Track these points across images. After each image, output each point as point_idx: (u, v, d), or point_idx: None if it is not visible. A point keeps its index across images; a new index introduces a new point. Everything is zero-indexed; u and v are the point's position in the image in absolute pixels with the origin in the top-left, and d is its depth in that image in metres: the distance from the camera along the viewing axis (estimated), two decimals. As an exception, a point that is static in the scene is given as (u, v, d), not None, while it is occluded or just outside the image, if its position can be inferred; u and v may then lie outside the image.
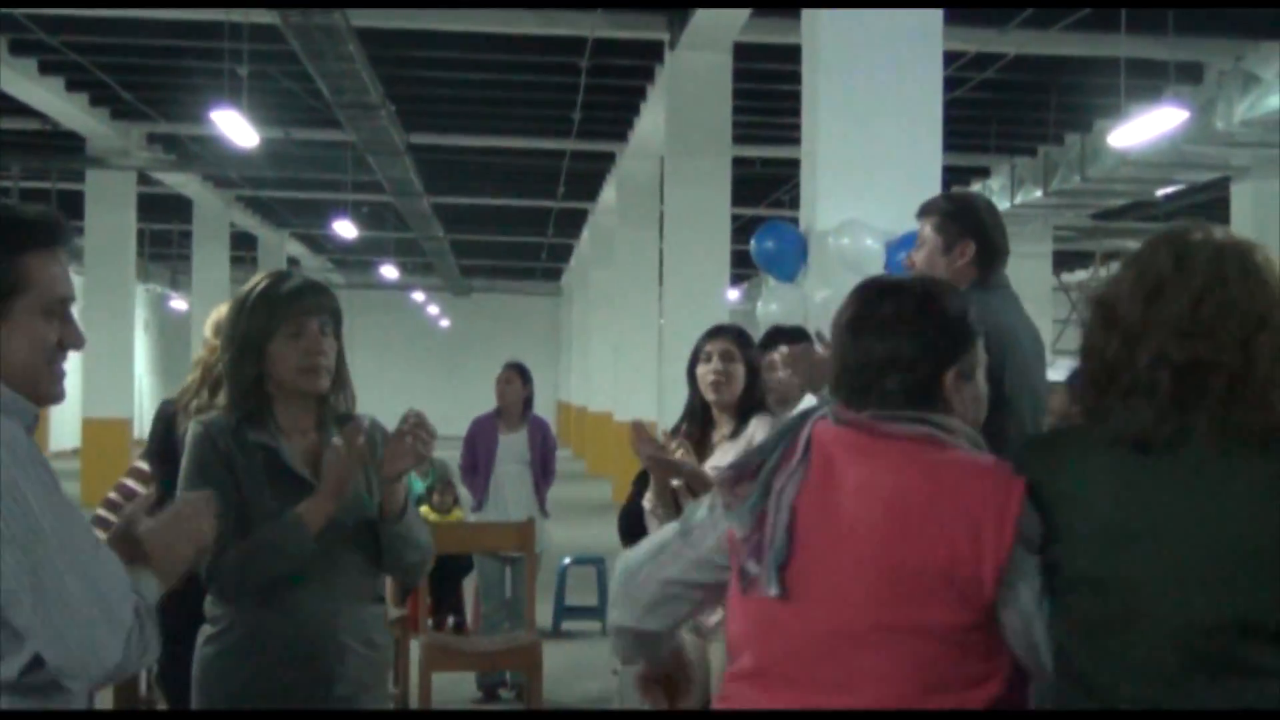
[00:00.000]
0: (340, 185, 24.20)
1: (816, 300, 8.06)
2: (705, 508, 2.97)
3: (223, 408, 3.93)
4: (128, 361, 24.03)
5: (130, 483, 5.99)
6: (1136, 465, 2.56)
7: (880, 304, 2.82)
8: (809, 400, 5.03)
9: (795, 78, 8.94)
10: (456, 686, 9.30)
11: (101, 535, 2.74)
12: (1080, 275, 31.43)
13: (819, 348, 4.93)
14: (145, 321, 39.12)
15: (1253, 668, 2.45)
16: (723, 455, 5.42)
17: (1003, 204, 21.25)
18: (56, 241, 2.72)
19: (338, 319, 3.93)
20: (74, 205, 23.35)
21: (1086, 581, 2.58)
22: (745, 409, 5.56)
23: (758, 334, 6.71)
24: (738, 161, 16.26)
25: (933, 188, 8.18)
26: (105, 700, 7.34)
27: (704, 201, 15.26)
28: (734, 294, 28.96)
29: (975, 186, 22.52)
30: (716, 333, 5.70)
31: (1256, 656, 2.45)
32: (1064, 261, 29.64)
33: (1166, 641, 2.48)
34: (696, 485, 5.32)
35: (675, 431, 5.69)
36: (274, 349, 3.81)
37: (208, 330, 5.34)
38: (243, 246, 32.91)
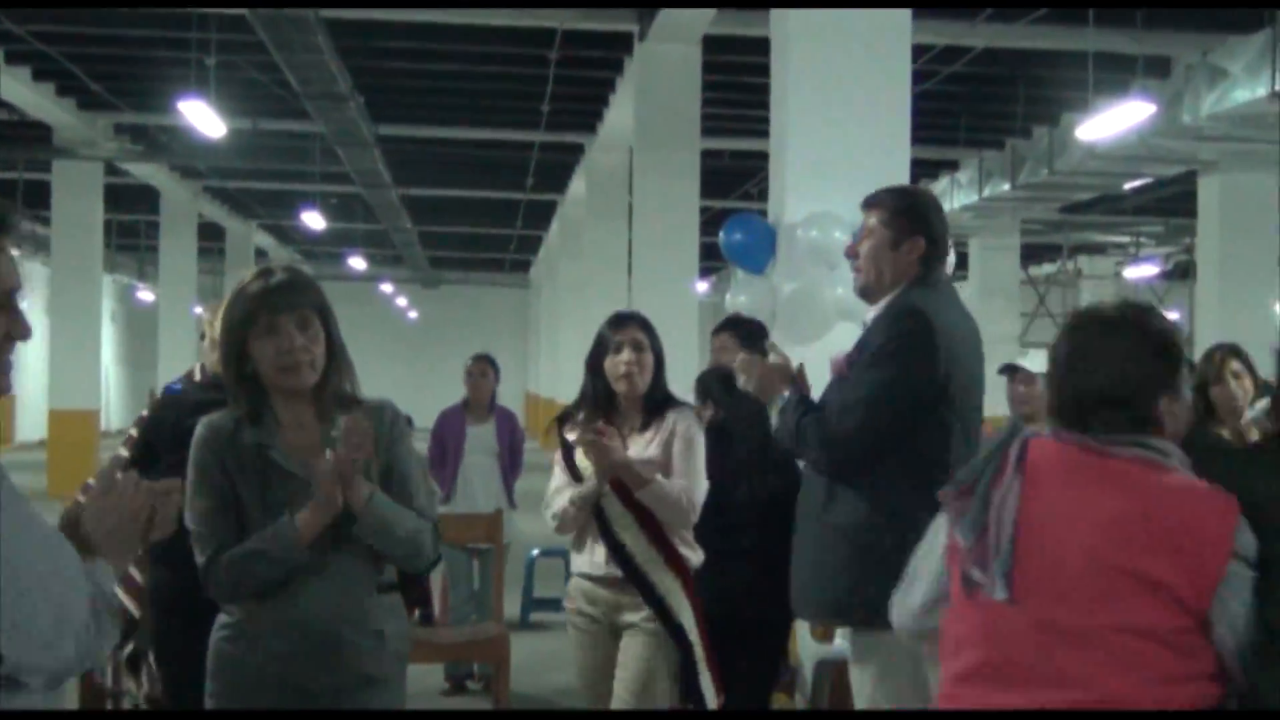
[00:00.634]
0: (308, 176, 24.15)
1: (785, 292, 8.06)
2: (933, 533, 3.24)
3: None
4: (95, 353, 23.92)
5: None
6: None
7: (1096, 339, 3.04)
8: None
9: (765, 70, 8.93)
10: (424, 678, 9.29)
11: None
12: (1048, 268, 31.54)
13: (772, 357, 4.94)
14: (112, 312, 38.97)
15: None
16: (639, 449, 5.39)
17: (971, 197, 21.34)
18: (1, 231, 2.70)
19: (323, 310, 3.94)
20: (40, 195, 23.28)
21: None
22: (654, 400, 5.48)
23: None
24: (707, 154, 16.24)
25: (901, 180, 8.17)
26: (71, 692, 7.31)
27: (673, 193, 15.24)
28: (703, 286, 28.97)
29: (943, 179, 22.58)
30: (623, 321, 5.55)
31: None
32: (1032, 254, 29.73)
33: None
34: (628, 478, 5.33)
35: (564, 419, 5.61)
36: (254, 348, 3.83)
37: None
38: (210, 237, 32.78)
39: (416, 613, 10.78)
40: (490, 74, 18.30)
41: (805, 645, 6.86)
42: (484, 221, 33.51)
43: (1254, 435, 6.68)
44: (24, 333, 2.72)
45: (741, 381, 5.00)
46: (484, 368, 10.11)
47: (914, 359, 4.54)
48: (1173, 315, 26.13)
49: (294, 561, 3.76)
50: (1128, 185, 20.67)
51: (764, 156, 9.00)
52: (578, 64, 17.03)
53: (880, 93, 8.33)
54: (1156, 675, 2.82)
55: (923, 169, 22.11)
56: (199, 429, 3.91)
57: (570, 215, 26.13)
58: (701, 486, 5.48)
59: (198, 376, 5.45)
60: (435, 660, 9.15)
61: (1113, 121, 14.95)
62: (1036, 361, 7.35)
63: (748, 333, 6.56)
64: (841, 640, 5.98)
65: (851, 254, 4.88)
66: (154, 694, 5.65)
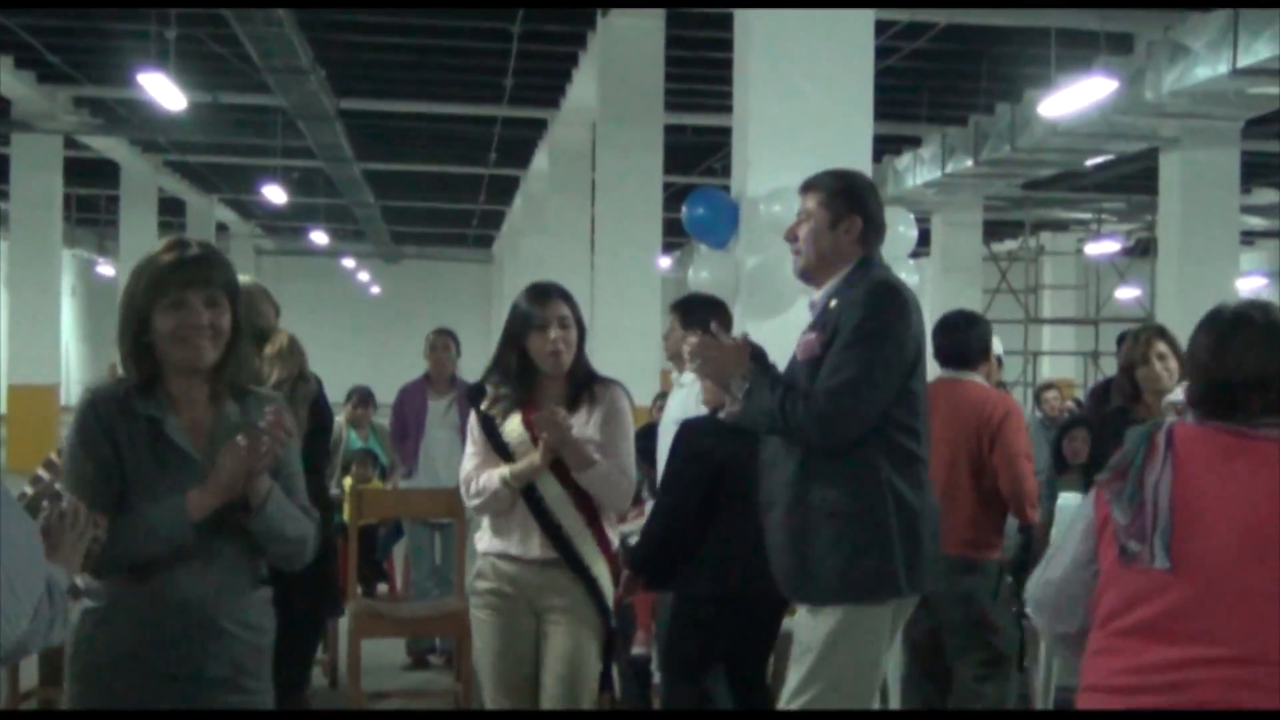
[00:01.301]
0: (270, 151, 24.00)
1: (748, 267, 8.07)
2: (1081, 508, 3.59)
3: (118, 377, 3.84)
4: (54, 328, 23.83)
5: None
6: None
7: (1235, 335, 3.41)
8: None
9: (728, 45, 8.93)
10: (386, 653, 9.29)
11: None
12: (1010, 245, 31.60)
13: (723, 339, 4.91)
14: (72, 287, 38.74)
15: None
16: (577, 428, 5.21)
17: (933, 173, 21.37)
18: None
19: (232, 292, 3.83)
20: (-1, 169, 23.14)
21: None
22: (579, 377, 5.35)
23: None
24: (670, 129, 16.23)
25: (864, 156, 8.20)
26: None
27: (636, 169, 15.23)
28: (666, 262, 28.97)
29: (906, 155, 22.60)
30: (546, 295, 5.32)
31: None
32: (994, 231, 29.78)
33: None
34: (575, 459, 5.19)
35: (478, 393, 5.42)
36: (156, 320, 3.72)
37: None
38: (171, 212, 32.58)
39: (380, 587, 10.82)
40: (453, 48, 18.19)
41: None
42: (446, 196, 33.43)
43: (1172, 418, 6.71)
44: None
45: (694, 366, 4.98)
46: (446, 342, 10.08)
47: (896, 334, 4.63)
48: (1134, 292, 26.28)
49: (180, 541, 3.65)
50: (1090, 162, 20.70)
51: (727, 132, 8.99)
52: (540, 38, 16.97)
53: (843, 68, 8.32)
54: None
55: (885, 145, 22.13)
56: (85, 395, 3.78)
57: (533, 190, 26.07)
58: (633, 465, 5.39)
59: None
60: (397, 635, 9.15)
61: (1075, 98, 14.99)
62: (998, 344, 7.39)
63: (686, 311, 6.59)
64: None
65: (791, 236, 4.96)
66: None
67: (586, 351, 5.44)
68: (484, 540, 5.45)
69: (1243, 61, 13.18)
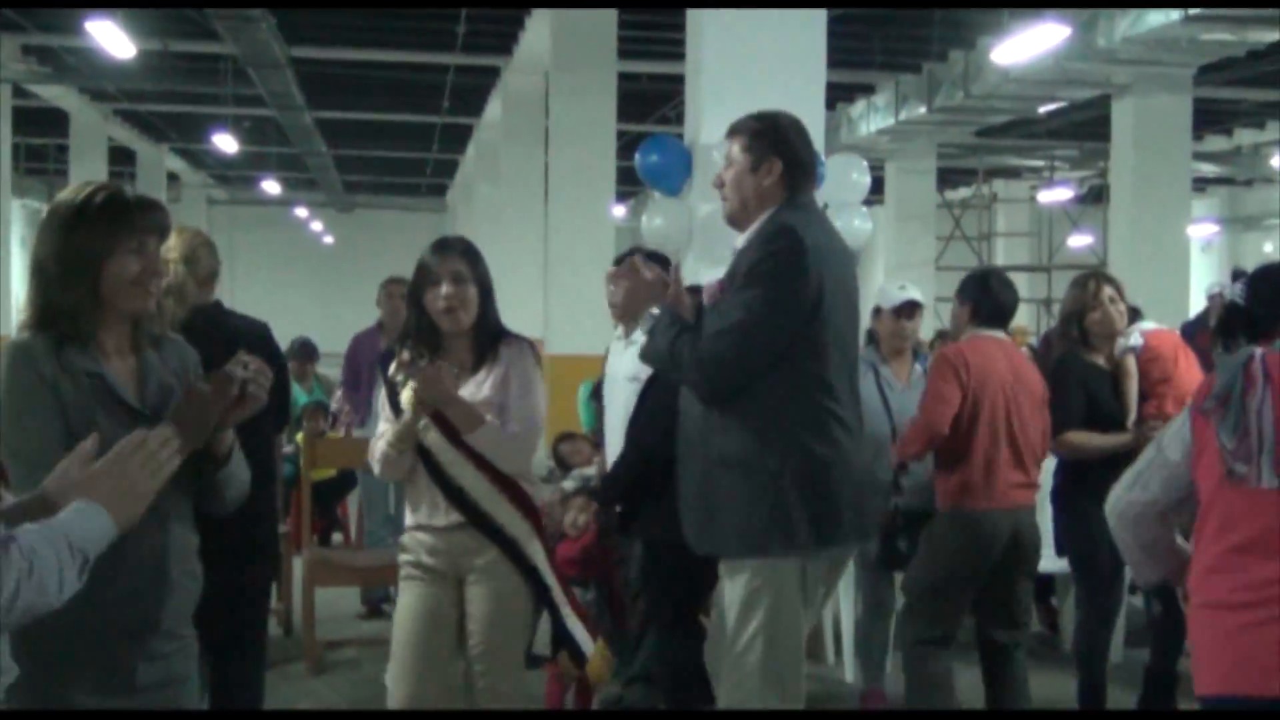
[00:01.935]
0: (220, 99, 23.81)
1: (701, 214, 8.06)
2: (1169, 435, 3.87)
3: (33, 329, 3.62)
4: (3, 278, 23.63)
5: None
6: None
7: None
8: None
9: (681, -9, 8.90)
10: (340, 602, 9.29)
11: None
12: (964, 192, 31.68)
13: (645, 274, 4.87)
14: (22, 238, 38.42)
15: None
16: (472, 390, 5.01)
17: (887, 121, 21.38)
18: None
19: (166, 237, 3.77)
20: (-54, 119, 22.89)
21: None
22: (483, 336, 5.10)
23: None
24: (624, 77, 16.18)
25: (817, 104, 8.20)
26: None
27: (589, 117, 15.20)
28: (620, 210, 28.92)
29: (860, 103, 22.60)
30: (443, 248, 5.10)
31: None
32: (947, 178, 29.85)
33: None
34: (458, 418, 4.97)
35: (388, 357, 5.16)
36: (111, 265, 3.57)
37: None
38: (121, 161, 32.33)
39: (334, 536, 10.80)
40: (404, -6, 18.08)
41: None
42: (399, 145, 33.24)
43: (1130, 363, 6.77)
44: None
45: (609, 293, 4.93)
46: (399, 290, 10.01)
47: (788, 277, 4.48)
48: (1086, 239, 26.39)
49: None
50: (1042, 109, 20.78)
51: (681, 79, 8.98)
52: (493, -15, 16.86)
53: (796, 15, 8.32)
54: None
55: (839, 92, 22.12)
56: (11, 350, 3.58)
57: (486, 139, 25.97)
58: (539, 426, 5.13)
59: None
60: (351, 584, 9.14)
61: (1028, 45, 15.02)
62: (944, 285, 7.38)
63: (620, 259, 6.58)
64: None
65: (718, 183, 4.87)
66: None
67: (520, 305, 5.25)
68: (407, 515, 5.30)
69: (1195, 8, 13.22)
